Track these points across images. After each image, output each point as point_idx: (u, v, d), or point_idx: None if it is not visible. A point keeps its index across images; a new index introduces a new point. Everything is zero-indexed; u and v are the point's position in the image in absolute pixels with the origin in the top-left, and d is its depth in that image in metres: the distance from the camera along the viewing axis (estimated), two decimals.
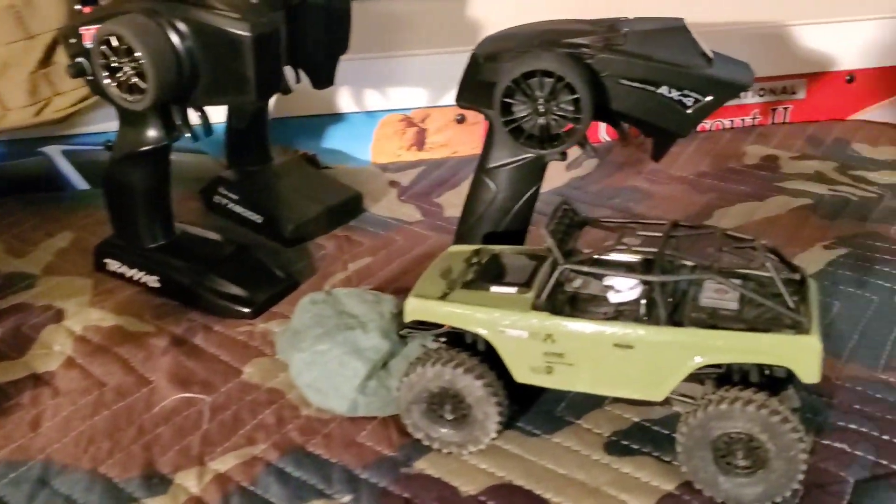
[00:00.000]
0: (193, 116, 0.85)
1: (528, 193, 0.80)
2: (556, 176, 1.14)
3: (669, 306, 0.63)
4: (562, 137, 0.74)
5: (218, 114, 1.02)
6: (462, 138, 1.23)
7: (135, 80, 0.78)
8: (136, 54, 0.76)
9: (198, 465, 0.69)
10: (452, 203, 1.09)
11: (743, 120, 1.28)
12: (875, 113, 1.29)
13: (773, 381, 0.63)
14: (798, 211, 1.03)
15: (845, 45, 1.25)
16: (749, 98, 1.27)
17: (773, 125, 1.28)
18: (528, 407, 0.73)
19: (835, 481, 0.64)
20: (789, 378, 0.63)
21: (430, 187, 1.15)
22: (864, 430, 0.69)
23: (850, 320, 0.82)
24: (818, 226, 0.99)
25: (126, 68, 0.78)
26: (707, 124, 1.27)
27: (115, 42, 0.78)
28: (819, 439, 0.68)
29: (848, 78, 1.27)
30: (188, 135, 0.86)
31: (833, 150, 1.19)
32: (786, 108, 1.28)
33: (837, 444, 0.67)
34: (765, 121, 1.29)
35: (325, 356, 0.73)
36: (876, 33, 1.25)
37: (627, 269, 0.68)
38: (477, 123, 1.22)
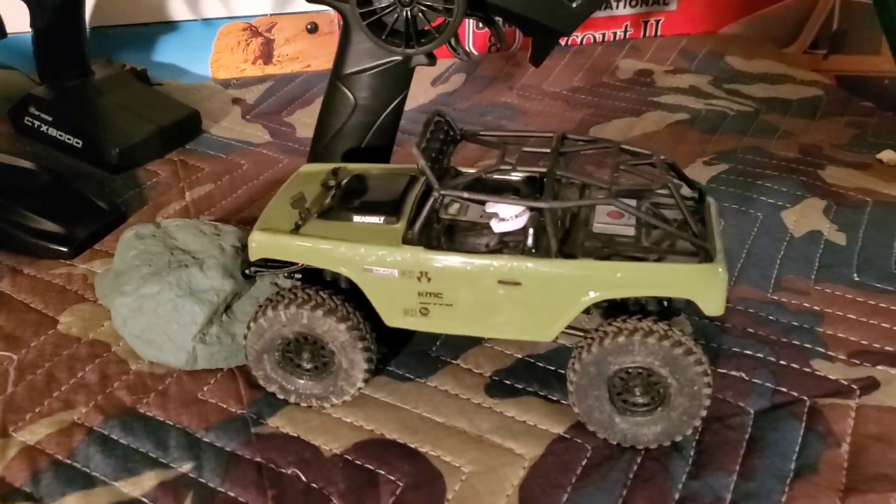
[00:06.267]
0: None
1: (394, 103, 0.69)
2: (421, 92, 1.04)
3: (560, 234, 0.55)
4: (431, 34, 0.64)
5: (19, 19, 0.86)
6: (314, 50, 1.11)
7: None
8: None
9: (0, 438, 0.56)
10: (306, 123, 0.98)
11: (615, 33, 1.21)
12: (747, 26, 1.25)
13: (666, 308, 0.57)
14: (676, 126, 0.98)
15: None
16: (620, 9, 1.20)
17: (645, 38, 1.23)
18: (400, 348, 0.64)
19: (735, 413, 0.59)
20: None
21: (280, 105, 1.03)
22: (760, 355, 0.64)
23: (736, 239, 0.78)
24: (697, 141, 0.94)
25: None
26: (578, 37, 1.20)
27: None
28: (715, 367, 0.62)
29: None
30: None
31: (706, 63, 1.15)
32: (657, 21, 1.22)
33: (734, 373, 0.62)
34: (636, 34, 1.23)
35: (154, 300, 0.61)
36: None
37: (512, 191, 0.59)
38: (331, 34, 1.10)
